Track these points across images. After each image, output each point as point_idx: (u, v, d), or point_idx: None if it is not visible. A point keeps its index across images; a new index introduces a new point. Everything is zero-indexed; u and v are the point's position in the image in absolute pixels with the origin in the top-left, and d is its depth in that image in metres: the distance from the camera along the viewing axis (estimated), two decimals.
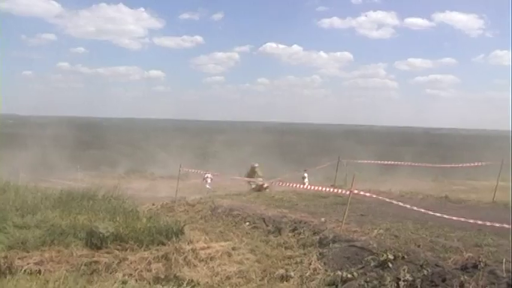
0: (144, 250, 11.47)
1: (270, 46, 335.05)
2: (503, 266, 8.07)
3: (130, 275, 10.35)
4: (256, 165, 26.55)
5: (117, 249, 11.41)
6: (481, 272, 8.10)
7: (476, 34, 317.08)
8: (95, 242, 11.56)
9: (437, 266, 8.82)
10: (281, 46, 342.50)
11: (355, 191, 13.46)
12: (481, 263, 8.36)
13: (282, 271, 10.39)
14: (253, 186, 24.42)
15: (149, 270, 10.65)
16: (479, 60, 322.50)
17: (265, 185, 23.77)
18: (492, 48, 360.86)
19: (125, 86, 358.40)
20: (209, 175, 31.55)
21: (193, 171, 28.40)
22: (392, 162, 32.26)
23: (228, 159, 50.14)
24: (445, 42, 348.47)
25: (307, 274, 10.01)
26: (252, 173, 25.82)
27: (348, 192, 13.63)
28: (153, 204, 19.08)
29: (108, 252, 11.28)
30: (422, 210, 12.28)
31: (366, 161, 30.69)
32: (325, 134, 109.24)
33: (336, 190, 16.68)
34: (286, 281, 9.90)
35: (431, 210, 12.16)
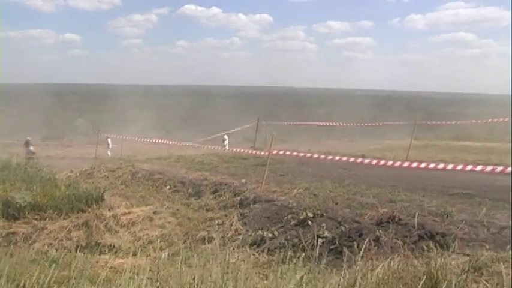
0: (64, 218, 11.29)
1: (189, 8, 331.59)
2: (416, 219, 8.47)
3: (50, 244, 10.18)
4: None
5: (36, 219, 11.18)
6: (395, 225, 8.48)
7: None
8: (11, 212, 11.26)
9: (354, 222, 9.17)
10: (200, 8, 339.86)
11: (274, 152, 13.67)
12: (395, 218, 8.76)
13: (204, 233, 10.51)
14: None
15: (70, 239, 10.52)
16: (395, 23, 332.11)
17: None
18: (407, 12, 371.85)
19: (39, 50, 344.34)
20: (109, 140, 29.73)
21: (112, 136, 28.09)
22: (312, 123, 32.97)
23: (148, 123, 49.45)
24: (362, 5, 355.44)
25: (229, 235, 10.19)
26: None
27: (267, 153, 13.82)
28: (72, 171, 18.62)
29: (26, 223, 11.04)
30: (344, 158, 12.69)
31: (284, 122, 31.19)
32: (245, 96, 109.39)
33: (255, 151, 16.90)
34: (209, 242, 9.98)
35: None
